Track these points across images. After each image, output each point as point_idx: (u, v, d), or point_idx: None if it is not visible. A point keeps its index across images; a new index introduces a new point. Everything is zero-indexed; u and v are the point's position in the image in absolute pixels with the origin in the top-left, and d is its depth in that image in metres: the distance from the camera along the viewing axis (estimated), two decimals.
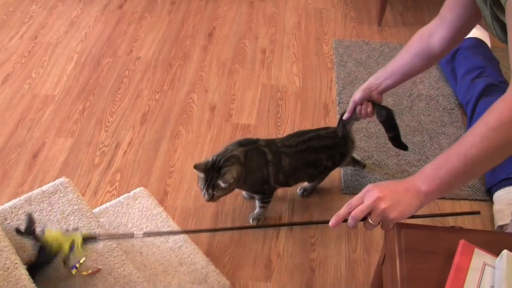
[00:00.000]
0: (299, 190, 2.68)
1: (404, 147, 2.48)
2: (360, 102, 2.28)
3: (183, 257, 2.17)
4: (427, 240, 1.64)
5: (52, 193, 2.04)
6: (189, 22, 3.88)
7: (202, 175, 2.24)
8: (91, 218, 1.97)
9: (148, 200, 2.37)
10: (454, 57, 3.29)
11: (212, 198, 2.27)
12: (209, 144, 2.91)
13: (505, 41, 1.61)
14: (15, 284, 1.58)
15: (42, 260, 1.71)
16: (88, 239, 1.68)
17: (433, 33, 1.94)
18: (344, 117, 2.40)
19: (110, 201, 2.50)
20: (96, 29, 3.80)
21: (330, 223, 1.46)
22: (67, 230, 1.74)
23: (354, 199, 1.45)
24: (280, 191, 2.65)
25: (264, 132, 3.00)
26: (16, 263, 1.63)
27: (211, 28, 3.83)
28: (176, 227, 2.30)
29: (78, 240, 1.66)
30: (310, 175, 2.58)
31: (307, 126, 3.00)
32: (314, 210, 2.63)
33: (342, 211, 1.45)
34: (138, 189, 2.43)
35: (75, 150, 2.90)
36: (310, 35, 3.79)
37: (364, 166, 2.79)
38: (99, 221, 1.98)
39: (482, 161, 1.36)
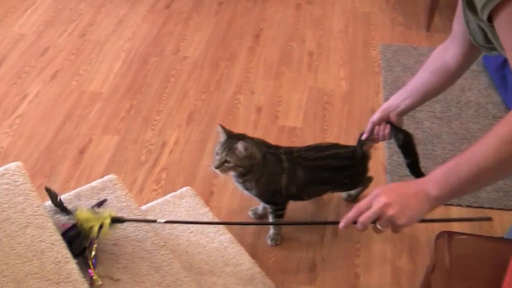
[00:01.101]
0: (344, 194, 2.66)
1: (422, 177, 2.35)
2: (378, 123, 2.20)
3: (228, 257, 2.17)
4: (478, 250, 1.62)
5: (101, 189, 2.05)
6: (236, 23, 3.89)
7: (223, 138, 2.21)
8: (139, 216, 1.97)
9: (194, 199, 2.37)
10: (504, 64, 3.24)
11: (221, 164, 2.17)
12: None
13: (487, 48, 1.57)
14: (66, 278, 1.59)
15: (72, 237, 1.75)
16: (115, 220, 1.79)
17: (448, 49, 1.88)
18: (363, 137, 2.32)
19: (155, 199, 2.51)
20: (143, 28, 3.82)
21: (339, 225, 1.47)
22: (96, 211, 1.81)
23: (362, 203, 1.44)
24: (326, 196, 2.63)
25: (311, 135, 2.99)
26: (67, 257, 1.63)
27: (258, 30, 3.83)
28: (222, 228, 2.29)
29: (107, 221, 1.76)
30: (325, 191, 2.54)
31: (354, 131, 2.98)
32: None
33: (351, 214, 1.45)
34: (184, 188, 2.43)
35: (121, 147, 2.92)
36: (357, 39, 3.77)
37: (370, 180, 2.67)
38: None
39: (493, 172, 1.33)
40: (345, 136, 2.98)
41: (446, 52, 1.89)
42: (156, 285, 1.77)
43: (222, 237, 2.23)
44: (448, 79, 1.95)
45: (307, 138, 2.98)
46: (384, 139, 2.24)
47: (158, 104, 3.19)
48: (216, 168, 2.19)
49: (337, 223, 1.48)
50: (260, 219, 2.57)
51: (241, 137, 2.22)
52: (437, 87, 2.00)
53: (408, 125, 3.00)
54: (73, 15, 3.94)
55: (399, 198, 1.39)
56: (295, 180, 2.31)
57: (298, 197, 2.44)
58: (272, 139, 2.92)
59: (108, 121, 3.08)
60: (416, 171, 2.32)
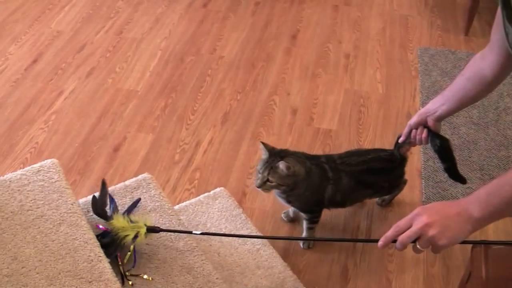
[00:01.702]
0: (378, 199, 2.63)
1: (461, 179, 2.32)
2: (415, 127, 2.18)
3: (260, 260, 2.16)
4: None
5: (134, 188, 2.05)
6: (273, 24, 3.87)
7: (265, 155, 2.16)
8: (172, 215, 1.97)
9: (228, 200, 2.36)
10: None
11: (264, 184, 2.14)
12: (290, 147, 2.83)
13: None
14: (99, 276, 1.58)
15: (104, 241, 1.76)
16: (151, 230, 1.78)
17: (485, 57, 1.84)
18: (400, 140, 2.29)
19: (188, 199, 2.51)
20: (180, 27, 3.83)
21: (378, 244, 1.43)
22: (131, 219, 1.79)
23: (402, 222, 1.41)
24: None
25: (346, 138, 2.96)
26: (100, 256, 1.63)
27: (294, 31, 3.81)
28: (254, 230, 2.28)
29: (142, 231, 1.75)
30: (366, 196, 2.52)
31: (389, 134, 2.95)
32: (393, 220, 2.57)
33: (390, 233, 1.41)
34: (218, 189, 2.42)
35: (155, 146, 2.92)
36: (394, 42, 3.73)
37: (404, 182, 2.65)
38: (180, 219, 1.98)
39: None
40: (380, 140, 2.95)
41: (483, 60, 1.86)
42: (188, 286, 1.77)
43: (254, 239, 2.21)
44: (484, 87, 1.92)
45: (342, 141, 2.95)
46: (420, 143, 2.22)
47: (193, 103, 3.18)
48: (258, 187, 2.16)
49: (376, 241, 1.45)
50: (292, 222, 2.55)
51: (284, 154, 2.18)
52: (473, 95, 1.96)
53: (444, 130, 2.95)
54: (110, 13, 3.96)
55: (440, 218, 1.36)
56: (340, 188, 2.29)
57: (341, 204, 2.42)
58: (307, 142, 2.92)
59: (143, 119, 3.08)
60: (454, 175, 2.30)
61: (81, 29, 3.79)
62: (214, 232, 2.26)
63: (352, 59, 3.56)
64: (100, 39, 3.71)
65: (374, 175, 2.37)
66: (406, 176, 2.55)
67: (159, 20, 3.89)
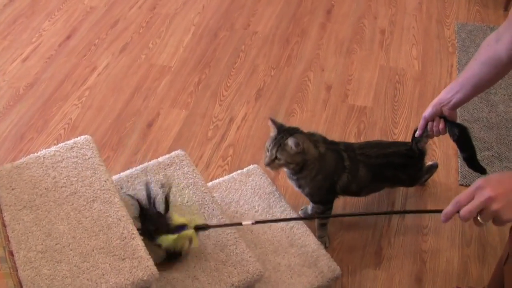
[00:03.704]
0: None
1: (481, 169, 2.22)
2: (431, 119, 2.08)
3: (294, 238, 2.14)
4: None
5: (168, 165, 2.05)
6: None
7: (274, 132, 2.11)
8: (206, 193, 1.97)
9: (261, 178, 2.34)
10: None
11: (272, 162, 2.09)
12: (324, 124, 2.86)
13: None
14: (132, 254, 1.59)
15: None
16: (200, 228, 1.78)
17: (500, 38, 1.73)
18: (416, 134, 2.21)
19: (221, 175, 2.51)
20: (213, 2, 3.80)
21: (441, 219, 1.37)
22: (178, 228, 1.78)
23: (463, 196, 1.33)
24: None
25: (381, 116, 2.93)
26: (133, 233, 1.64)
27: (329, 6, 3.76)
28: (288, 208, 2.26)
29: (193, 234, 1.75)
30: (383, 187, 2.47)
31: None
32: (428, 199, 2.55)
33: (450, 209, 1.34)
34: (251, 166, 2.41)
35: (189, 122, 2.91)
36: (431, 17, 3.67)
37: (436, 166, 2.61)
38: (213, 196, 1.98)
39: None
40: (416, 117, 2.91)
41: (498, 41, 1.77)
42: (221, 263, 1.77)
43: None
44: (499, 70, 1.83)
45: (377, 118, 2.92)
46: (438, 134, 2.13)
47: (227, 79, 3.17)
48: (267, 165, 2.11)
49: (440, 211, 1.39)
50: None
51: (293, 131, 2.12)
52: (488, 79, 1.88)
53: (481, 108, 2.91)
54: None
55: (505, 191, 1.28)
56: (356, 179, 2.24)
57: (355, 193, 2.38)
58: (341, 118, 2.89)
59: (177, 95, 3.07)
60: (474, 165, 2.22)
61: (114, 5, 3.78)
62: (266, 219, 2.23)
63: (387, 35, 3.51)
64: (133, 15, 3.69)
65: (393, 169, 2.32)
66: (443, 155, 2.52)
67: None
